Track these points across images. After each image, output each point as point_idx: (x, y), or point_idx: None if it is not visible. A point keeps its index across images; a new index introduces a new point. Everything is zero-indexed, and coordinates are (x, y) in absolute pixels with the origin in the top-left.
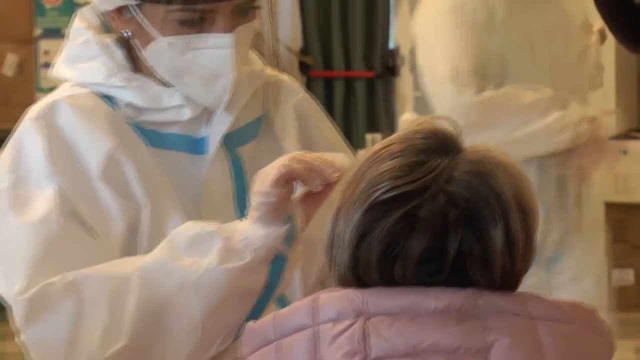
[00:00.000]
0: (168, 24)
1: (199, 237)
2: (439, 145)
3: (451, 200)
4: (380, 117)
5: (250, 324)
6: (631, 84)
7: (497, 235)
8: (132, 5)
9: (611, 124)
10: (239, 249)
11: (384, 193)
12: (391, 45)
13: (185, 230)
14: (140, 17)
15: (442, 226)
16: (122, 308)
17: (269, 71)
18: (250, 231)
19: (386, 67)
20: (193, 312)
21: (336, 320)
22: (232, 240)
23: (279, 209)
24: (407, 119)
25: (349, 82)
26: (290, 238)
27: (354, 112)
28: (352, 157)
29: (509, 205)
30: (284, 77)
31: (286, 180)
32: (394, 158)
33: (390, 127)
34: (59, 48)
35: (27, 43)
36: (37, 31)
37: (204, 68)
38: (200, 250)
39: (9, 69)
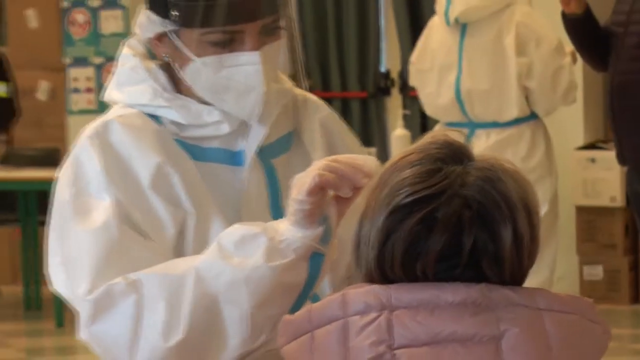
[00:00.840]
0: (202, 46)
1: (246, 238)
2: (453, 154)
3: (465, 203)
4: (374, 133)
5: (286, 317)
6: (597, 100)
7: (507, 235)
8: (169, 32)
9: (580, 135)
10: (282, 249)
11: (405, 197)
12: (382, 68)
13: (232, 232)
14: (177, 41)
15: (458, 226)
16: (179, 304)
17: (298, 91)
18: (290, 233)
19: (378, 88)
20: (243, 306)
21: (363, 312)
22: (275, 241)
23: (314, 214)
24: (398, 135)
25: (345, 102)
26: (326, 236)
27: (350, 129)
28: (378, 162)
29: (516, 208)
30: (311, 96)
31: (320, 188)
32: (413, 166)
33: (382, 141)
34: (85, 75)
35: (58, 71)
36: (67, 60)
37: (237, 84)
38: (248, 250)
39: (42, 94)
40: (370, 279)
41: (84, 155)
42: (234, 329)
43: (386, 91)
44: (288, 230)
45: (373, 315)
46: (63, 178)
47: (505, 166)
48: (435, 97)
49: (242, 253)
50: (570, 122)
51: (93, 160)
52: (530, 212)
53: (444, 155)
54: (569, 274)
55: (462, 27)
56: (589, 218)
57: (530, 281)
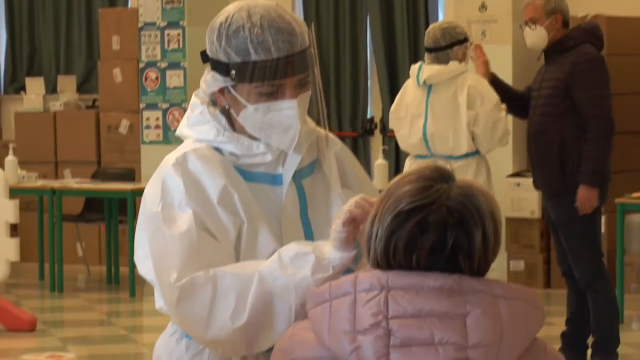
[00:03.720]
0: (253, 96)
1: (299, 255)
2: (441, 176)
3: (449, 211)
4: (361, 162)
5: (313, 288)
6: (522, 141)
7: (478, 236)
8: (228, 86)
9: (509, 166)
10: (325, 265)
11: (405, 205)
12: (368, 115)
13: (290, 248)
14: (234, 93)
15: (443, 228)
16: (245, 297)
17: (320, 130)
18: (331, 254)
19: (365, 129)
20: (291, 305)
21: (368, 290)
22: (320, 259)
23: (349, 240)
24: (379, 164)
25: (341, 139)
26: (357, 258)
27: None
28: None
29: (485, 216)
30: (329, 133)
31: (351, 221)
32: (411, 183)
33: (367, 168)
34: (155, 116)
35: (135, 112)
36: (142, 105)
37: (280, 123)
38: (299, 264)
39: (123, 129)
40: (377, 265)
41: (169, 178)
42: (283, 320)
43: (371, 132)
44: (330, 252)
45: (375, 292)
46: (152, 195)
47: (478, 186)
48: (407, 137)
49: (295, 265)
50: (503, 156)
51: (176, 182)
52: (495, 220)
53: (434, 176)
54: (499, 266)
55: (428, 87)
56: (515, 226)
57: None
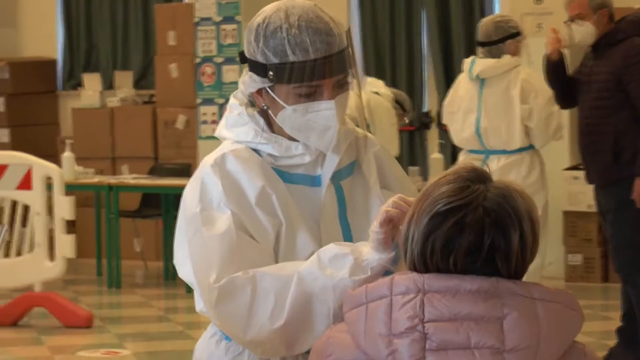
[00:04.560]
0: (291, 97)
1: (338, 256)
2: (478, 176)
3: (486, 212)
4: (418, 156)
5: (349, 291)
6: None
7: (515, 237)
8: (266, 87)
9: (567, 159)
10: (363, 266)
11: (443, 206)
12: (425, 109)
13: (329, 249)
14: (272, 94)
15: (481, 229)
16: (284, 297)
17: (359, 130)
18: (370, 255)
19: (422, 123)
20: (329, 306)
21: (405, 293)
22: (359, 260)
23: (387, 241)
24: (435, 157)
25: (400, 133)
26: (396, 259)
27: (395, 158)
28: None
29: (523, 217)
30: (368, 134)
31: (388, 221)
32: (449, 184)
33: (424, 162)
34: (211, 111)
35: (192, 108)
36: (198, 100)
37: (318, 124)
38: (338, 265)
39: (180, 125)
40: (413, 268)
41: (208, 179)
42: (321, 321)
43: (427, 125)
44: (369, 253)
45: (411, 295)
46: (191, 195)
47: (516, 187)
48: (460, 132)
49: (334, 266)
50: (560, 149)
51: (215, 183)
52: (533, 221)
53: (472, 177)
54: (557, 260)
55: (481, 81)
56: (572, 220)
57: None
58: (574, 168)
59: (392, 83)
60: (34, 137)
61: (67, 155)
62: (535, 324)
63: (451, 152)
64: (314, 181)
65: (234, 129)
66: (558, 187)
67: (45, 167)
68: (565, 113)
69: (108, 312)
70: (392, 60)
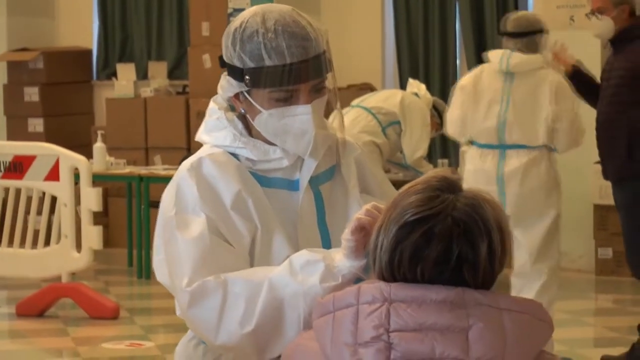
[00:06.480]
0: (267, 101)
1: (310, 262)
2: (448, 186)
3: (455, 222)
4: (449, 150)
5: (318, 299)
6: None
7: (483, 248)
8: (243, 91)
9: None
10: (334, 273)
11: (411, 216)
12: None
13: (301, 255)
14: (250, 99)
15: (449, 239)
16: (255, 303)
17: (339, 134)
18: (341, 262)
19: None
20: (300, 312)
21: (371, 302)
22: (330, 267)
23: (359, 249)
24: (464, 150)
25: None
26: (368, 267)
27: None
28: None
29: (492, 228)
30: (348, 139)
31: (359, 229)
32: (418, 193)
33: (456, 155)
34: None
35: None
36: None
37: (294, 128)
38: (309, 271)
39: None
40: (381, 277)
41: (183, 183)
42: (292, 327)
43: None
44: (340, 260)
45: (377, 305)
46: (168, 199)
47: (485, 196)
48: (482, 122)
49: (305, 272)
50: (590, 143)
51: (190, 187)
52: (502, 231)
53: (441, 186)
54: (587, 254)
55: (510, 75)
56: (602, 213)
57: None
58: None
59: (424, 78)
60: (68, 127)
61: (98, 146)
62: (500, 334)
63: None
64: (292, 185)
65: (212, 133)
66: (588, 180)
67: (73, 158)
68: (587, 115)
69: (137, 302)
70: (425, 54)
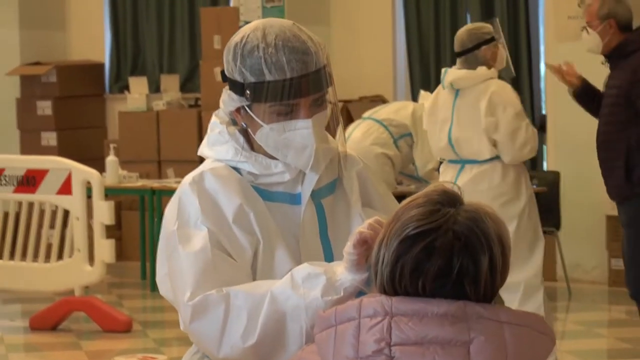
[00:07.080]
0: (268, 115)
1: (311, 275)
2: (449, 200)
3: (456, 236)
4: None
5: (320, 312)
6: None
7: (484, 261)
8: (244, 106)
9: None
10: (336, 287)
11: (412, 230)
12: None
13: (302, 268)
14: (251, 113)
15: (450, 253)
16: (257, 316)
17: (341, 148)
18: (343, 276)
19: None
20: (302, 325)
21: (372, 316)
22: (332, 280)
23: (361, 262)
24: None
25: None
26: (370, 280)
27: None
28: None
29: (493, 241)
30: (351, 152)
31: (362, 243)
32: (419, 207)
33: None
34: None
35: None
36: None
37: (295, 143)
38: (311, 285)
39: None
40: (383, 290)
41: (185, 197)
42: (294, 340)
43: None
44: (342, 273)
45: (379, 318)
46: (170, 213)
47: (486, 210)
48: (437, 142)
49: (307, 286)
50: None
51: (192, 201)
52: (503, 244)
53: (442, 200)
54: (601, 265)
55: (456, 92)
56: (615, 224)
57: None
58: None
59: (435, 84)
60: (81, 140)
61: (110, 159)
62: (502, 348)
63: None
64: (294, 199)
65: (214, 148)
66: (601, 192)
67: (85, 171)
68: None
69: (149, 315)
70: (436, 61)
